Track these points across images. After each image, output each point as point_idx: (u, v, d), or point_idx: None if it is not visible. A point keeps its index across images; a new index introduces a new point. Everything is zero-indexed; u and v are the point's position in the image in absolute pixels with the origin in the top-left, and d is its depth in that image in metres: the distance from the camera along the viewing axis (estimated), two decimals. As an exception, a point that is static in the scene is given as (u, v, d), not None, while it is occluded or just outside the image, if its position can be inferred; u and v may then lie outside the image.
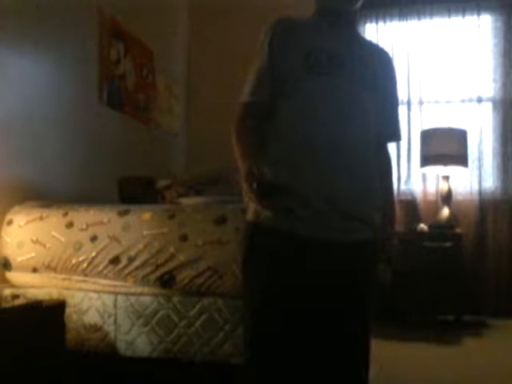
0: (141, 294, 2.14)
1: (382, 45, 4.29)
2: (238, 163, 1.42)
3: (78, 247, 2.21)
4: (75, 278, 2.22)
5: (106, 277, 2.17)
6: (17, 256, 2.29)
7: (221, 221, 2.08)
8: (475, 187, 4.22)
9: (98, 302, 2.19)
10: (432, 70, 4.36)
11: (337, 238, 1.41)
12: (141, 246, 2.13)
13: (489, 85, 4.28)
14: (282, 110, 1.46)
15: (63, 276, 2.24)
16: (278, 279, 1.39)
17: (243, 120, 1.50)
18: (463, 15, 4.34)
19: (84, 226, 2.23)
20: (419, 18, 4.40)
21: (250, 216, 1.47)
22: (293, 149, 1.43)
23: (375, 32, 4.42)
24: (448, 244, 3.79)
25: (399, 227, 3.95)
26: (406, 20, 4.42)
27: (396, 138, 1.67)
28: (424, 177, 4.35)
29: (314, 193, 1.39)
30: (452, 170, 4.11)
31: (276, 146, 1.45)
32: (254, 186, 1.27)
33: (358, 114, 1.46)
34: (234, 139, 1.49)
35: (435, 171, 4.22)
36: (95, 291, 2.20)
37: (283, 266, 1.39)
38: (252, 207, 1.45)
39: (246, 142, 1.47)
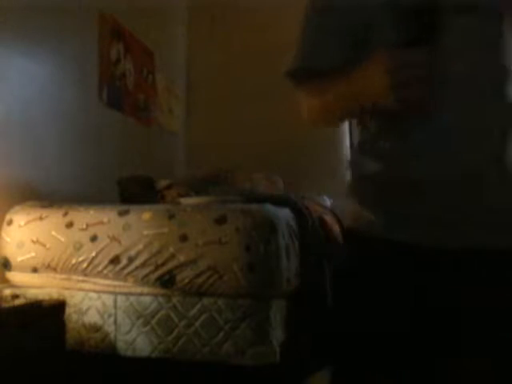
0: (141, 294, 2.14)
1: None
2: (345, 96, 0.98)
3: (78, 247, 2.21)
4: (75, 277, 2.22)
5: (106, 277, 2.17)
6: (17, 256, 2.29)
7: (221, 221, 2.08)
8: (475, 187, 4.21)
9: (97, 301, 2.19)
10: (432, 70, 4.35)
11: (496, 247, 0.92)
12: (141, 246, 2.13)
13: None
14: None
15: (63, 276, 2.24)
16: (393, 311, 0.95)
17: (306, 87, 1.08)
18: (463, 15, 4.34)
19: (84, 226, 2.23)
20: (419, 18, 4.39)
21: (348, 221, 1.06)
22: (441, 135, 0.93)
23: (375, 32, 4.42)
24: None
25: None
26: (406, 20, 4.41)
27: None
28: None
29: (466, 193, 0.92)
30: (452, 170, 4.10)
31: (420, 133, 0.95)
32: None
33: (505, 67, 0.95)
34: (312, 111, 1.08)
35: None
36: (95, 291, 2.20)
37: (400, 294, 0.95)
38: (351, 208, 1.05)
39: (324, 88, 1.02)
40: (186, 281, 2.06)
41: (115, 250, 2.16)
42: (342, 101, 0.99)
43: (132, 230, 2.16)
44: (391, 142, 0.98)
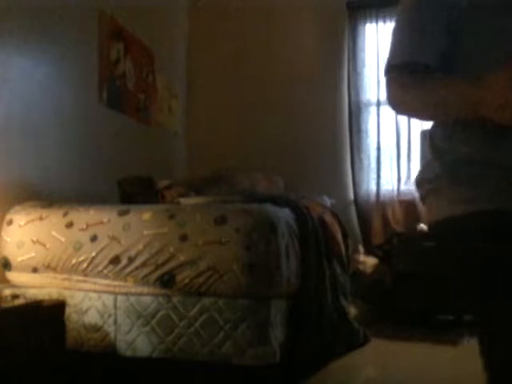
0: (141, 293, 2.14)
1: (381, 45, 4.33)
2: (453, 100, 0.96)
3: (78, 247, 2.21)
4: (75, 277, 2.22)
5: (106, 277, 2.17)
6: (17, 256, 2.29)
7: (221, 221, 2.08)
8: (475, 187, 4.20)
9: (98, 302, 2.19)
10: (432, 70, 4.34)
11: None
12: (141, 246, 2.13)
13: (489, 85, 4.26)
14: None
15: (63, 276, 2.24)
16: None
17: (404, 86, 1.05)
18: (463, 15, 4.33)
19: (84, 226, 2.23)
20: (419, 18, 4.38)
21: (441, 213, 1.03)
22: None
23: (375, 32, 4.42)
24: (448, 244, 3.77)
25: (399, 227, 3.95)
26: (406, 20, 4.40)
27: None
28: (424, 177, 4.33)
29: None
30: (452, 170, 4.10)
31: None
32: None
33: None
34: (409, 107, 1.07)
35: (435, 171, 4.20)
36: (95, 291, 2.20)
37: None
38: (440, 201, 1.03)
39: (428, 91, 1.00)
40: (186, 281, 2.06)
41: (115, 250, 2.16)
42: (441, 103, 0.98)
43: (132, 230, 2.16)
44: (482, 143, 0.99)
